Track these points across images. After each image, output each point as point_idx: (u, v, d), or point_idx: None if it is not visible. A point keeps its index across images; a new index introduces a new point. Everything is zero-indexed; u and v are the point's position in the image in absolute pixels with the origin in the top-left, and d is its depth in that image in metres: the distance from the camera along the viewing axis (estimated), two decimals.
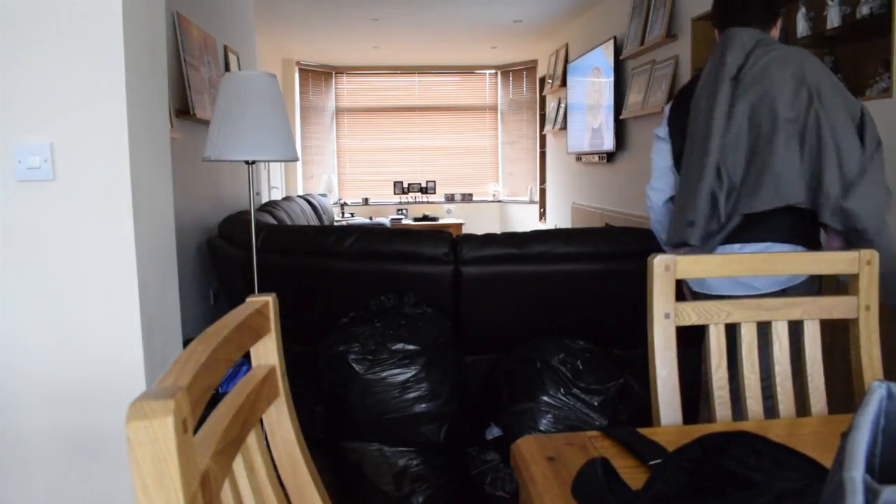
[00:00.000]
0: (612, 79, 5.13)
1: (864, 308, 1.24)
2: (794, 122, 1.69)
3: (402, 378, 2.09)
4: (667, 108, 2.09)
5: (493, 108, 8.94)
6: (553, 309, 2.46)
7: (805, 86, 1.70)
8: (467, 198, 8.91)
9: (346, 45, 7.47)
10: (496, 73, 8.88)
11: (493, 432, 2.22)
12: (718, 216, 1.72)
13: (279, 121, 2.28)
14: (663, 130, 2.07)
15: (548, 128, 7.44)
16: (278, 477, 0.85)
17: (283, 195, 7.37)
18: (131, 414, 0.50)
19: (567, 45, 6.71)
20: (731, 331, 1.21)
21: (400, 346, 2.12)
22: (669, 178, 2.06)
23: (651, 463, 0.88)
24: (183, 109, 3.30)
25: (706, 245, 1.74)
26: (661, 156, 2.09)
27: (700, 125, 1.78)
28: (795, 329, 1.24)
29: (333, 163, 8.75)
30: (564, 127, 6.59)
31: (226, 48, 4.21)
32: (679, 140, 1.95)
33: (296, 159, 2.38)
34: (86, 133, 1.65)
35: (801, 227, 1.75)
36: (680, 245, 1.79)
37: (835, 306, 1.24)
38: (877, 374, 1.24)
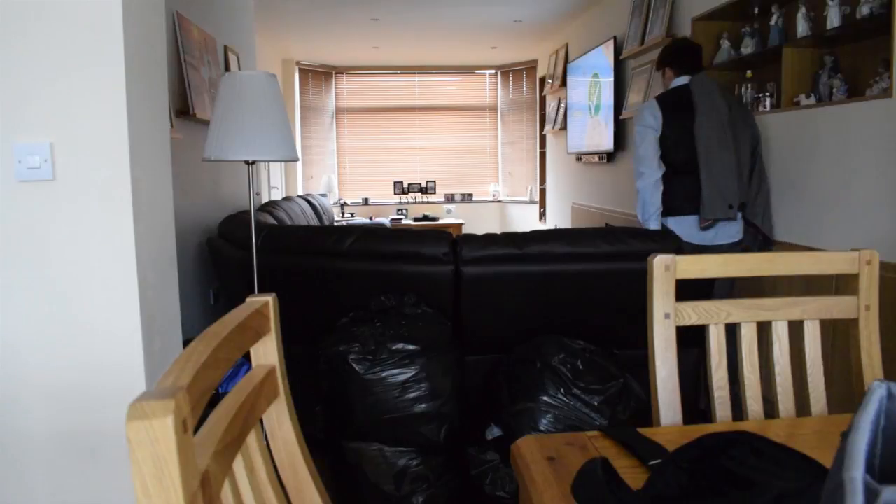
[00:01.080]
0: (612, 79, 5.13)
1: (864, 308, 1.24)
2: (752, 152, 2.91)
3: (402, 378, 2.09)
4: (657, 113, 2.82)
5: (493, 109, 8.94)
6: (553, 309, 2.46)
7: (752, 126, 2.92)
8: (467, 198, 8.91)
9: (346, 45, 7.47)
10: (496, 73, 8.88)
11: (493, 432, 2.22)
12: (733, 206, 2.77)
13: (279, 121, 2.28)
14: (657, 128, 2.81)
15: (548, 128, 7.44)
16: (278, 477, 0.85)
17: (283, 195, 7.37)
18: (131, 414, 0.50)
19: (567, 45, 6.71)
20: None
21: (400, 346, 2.12)
22: (658, 164, 2.83)
23: (651, 463, 0.89)
24: (183, 109, 3.30)
25: (728, 226, 2.82)
26: (652, 147, 2.83)
27: (722, 143, 2.70)
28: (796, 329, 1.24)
29: (333, 163, 8.75)
30: (564, 127, 6.59)
31: (226, 48, 4.21)
32: (676, 140, 2.78)
33: (296, 159, 2.38)
34: (86, 133, 1.65)
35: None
36: (714, 220, 2.76)
37: (835, 306, 1.24)
38: (877, 374, 1.24)
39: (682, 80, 2.89)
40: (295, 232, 2.84)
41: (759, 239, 2.95)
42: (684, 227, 2.78)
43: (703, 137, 2.69)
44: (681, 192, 2.78)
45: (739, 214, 2.82)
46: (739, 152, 2.74)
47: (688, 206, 2.76)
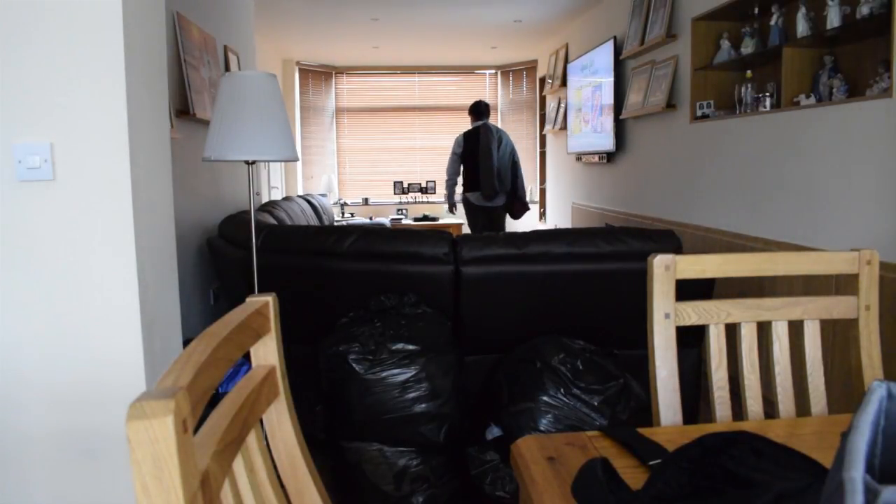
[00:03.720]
0: (612, 79, 5.13)
1: (864, 308, 1.24)
2: (512, 161, 5.59)
3: (402, 378, 2.09)
4: (461, 142, 5.55)
5: (494, 109, 8.93)
6: (553, 309, 2.46)
7: (511, 147, 5.60)
8: None
9: (346, 45, 7.47)
10: (496, 73, 8.88)
11: (493, 432, 2.22)
12: (500, 191, 5.50)
13: (279, 121, 2.28)
14: (459, 153, 5.58)
15: (548, 128, 7.44)
16: (278, 477, 0.85)
17: (283, 195, 7.37)
18: (131, 414, 0.50)
19: (567, 45, 6.71)
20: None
21: (400, 346, 2.12)
22: (457, 171, 5.64)
23: (651, 463, 0.89)
24: (183, 109, 3.30)
25: (496, 199, 5.53)
26: (456, 164, 5.63)
27: (490, 157, 5.35)
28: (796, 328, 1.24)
29: (333, 163, 8.75)
30: (564, 127, 6.59)
31: (226, 48, 4.22)
32: (468, 159, 5.51)
33: (296, 159, 2.38)
34: (86, 133, 1.65)
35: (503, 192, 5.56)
36: (489, 198, 5.48)
37: (835, 306, 1.24)
38: (877, 374, 1.24)
39: (478, 123, 5.55)
40: (295, 232, 2.84)
41: (518, 203, 5.62)
42: (476, 197, 5.51)
43: (480, 156, 5.40)
44: (473, 180, 5.48)
45: (503, 194, 5.57)
46: (500, 164, 5.43)
47: (476, 187, 5.47)
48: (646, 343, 1.17)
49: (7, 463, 1.73)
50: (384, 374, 2.09)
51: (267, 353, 0.89)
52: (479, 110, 5.60)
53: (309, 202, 5.71)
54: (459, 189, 5.75)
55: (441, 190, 8.92)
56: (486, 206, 5.53)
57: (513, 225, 8.70)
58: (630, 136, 5.01)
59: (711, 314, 1.19)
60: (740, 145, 3.36)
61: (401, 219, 8.25)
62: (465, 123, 5.82)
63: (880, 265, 1.25)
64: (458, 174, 5.66)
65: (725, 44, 3.50)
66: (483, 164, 5.33)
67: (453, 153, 5.59)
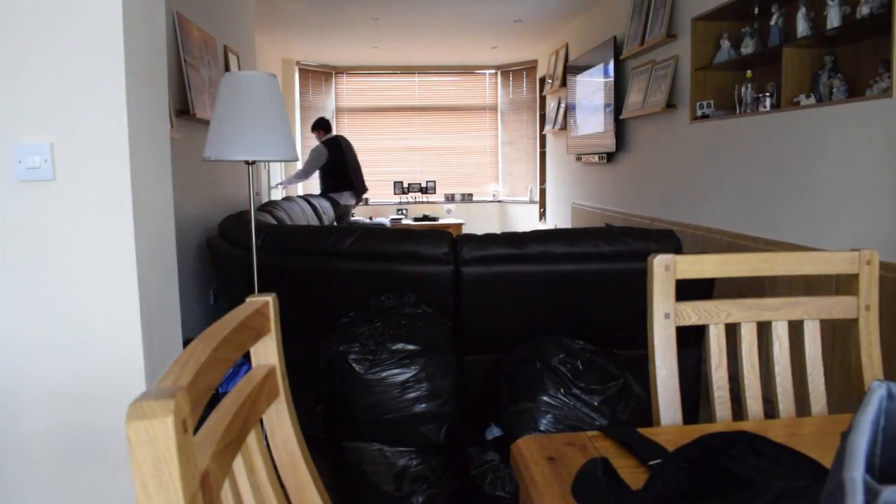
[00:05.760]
0: (612, 79, 5.13)
1: (864, 308, 1.24)
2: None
3: (402, 378, 2.09)
4: (324, 152, 6.19)
5: (493, 108, 8.93)
6: (553, 309, 2.46)
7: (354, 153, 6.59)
8: (467, 198, 8.90)
9: (346, 45, 7.47)
10: (496, 73, 8.88)
11: (493, 432, 2.22)
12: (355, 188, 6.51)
13: (279, 121, 2.28)
14: (323, 161, 6.20)
15: (548, 128, 7.44)
16: (278, 477, 0.85)
17: (283, 195, 7.36)
18: (131, 414, 0.50)
19: (567, 45, 6.71)
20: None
21: (400, 346, 2.12)
22: (314, 171, 6.33)
23: (651, 463, 0.89)
24: (183, 109, 3.30)
25: (360, 197, 6.71)
26: (317, 165, 6.25)
27: (357, 163, 6.48)
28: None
29: None
30: (564, 127, 6.59)
31: (226, 48, 4.21)
32: (335, 166, 6.23)
33: (296, 159, 2.39)
34: (86, 133, 1.65)
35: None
36: (360, 196, 6.62)
37: (835, 306, 1.24)
38: (877, 374, 1.24)
39: (330, 135, 6.36)
40: (295, 232, 2.84)
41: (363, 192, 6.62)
42: (344, 197, 6.26)
43: (349, 163, 6.28)
44: (340, 182, 6.24)
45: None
46: (356, 163, 6.42)
47: (344, 187, 6.27)
48: (646, 343, 1.17)
49: (7, 462, 1.73)
50: (384, 374, 2.09)
51: (267, 353, 0.89)
52: (329, 125, 6.51)
53: (309, 202, 5.71)
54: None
55: (441, 189, 8.97)
56: (349, 204, 6.47)
57: (512, 224, 8.71)
58: (630, 136, 5.01)
59: (711, 314, 1.19)
60: (740, 145, 3.36)
61: (401, 219, 8.25)
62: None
63: (880, 265, 1.25)
64: (311, 176, 6.48)
65: (725, 44, 3.50)
66: (352, 169, 6.33)
67: (316, 161, 6.23)
